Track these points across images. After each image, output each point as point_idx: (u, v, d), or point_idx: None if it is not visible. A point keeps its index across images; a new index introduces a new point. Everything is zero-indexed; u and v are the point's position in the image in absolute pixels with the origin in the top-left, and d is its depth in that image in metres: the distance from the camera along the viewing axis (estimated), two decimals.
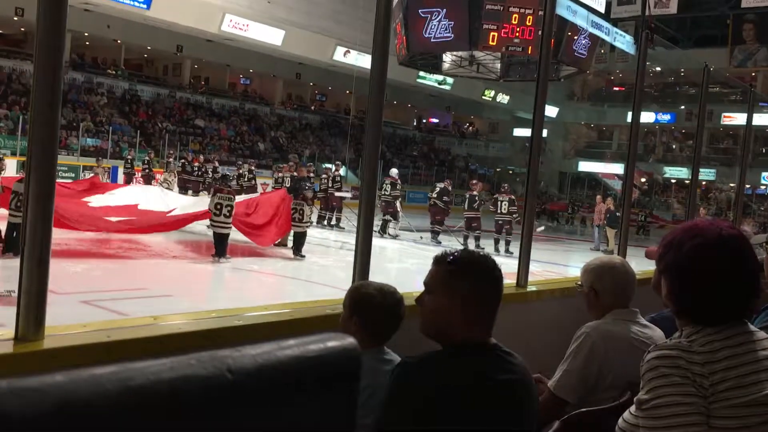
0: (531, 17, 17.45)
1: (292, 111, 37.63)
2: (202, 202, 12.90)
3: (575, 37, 18.93)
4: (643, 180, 37.62)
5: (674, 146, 42.22)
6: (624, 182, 5.67)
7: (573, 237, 24.38)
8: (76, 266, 9.48)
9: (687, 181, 35.38)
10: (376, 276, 2.82)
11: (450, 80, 32.16)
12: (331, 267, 11.82)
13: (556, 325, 3.29)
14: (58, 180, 2.15)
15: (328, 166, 20.21)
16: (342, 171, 19.86)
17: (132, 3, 24.49)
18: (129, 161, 22.24)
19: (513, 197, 15.58)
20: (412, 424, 1.72)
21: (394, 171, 17.73)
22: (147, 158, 22.13)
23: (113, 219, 11.37)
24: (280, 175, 18.21)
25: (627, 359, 2.44)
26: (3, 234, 9.92)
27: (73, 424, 0.46)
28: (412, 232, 17.29)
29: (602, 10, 20.69)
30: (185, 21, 26.10)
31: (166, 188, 16.42)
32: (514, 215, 15.23)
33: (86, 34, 28.36)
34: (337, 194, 17.80)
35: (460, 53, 20.51)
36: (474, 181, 17.56)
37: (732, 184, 34.19)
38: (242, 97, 36.17)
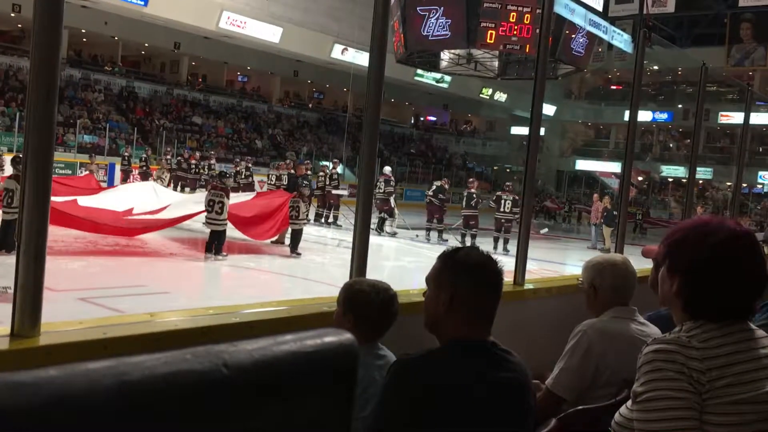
0: (529, 15, 17.45)
1: (290, 108, 37.60)
2: (196, 199, 12.88)
3: (573, 36, 18.94)
4: (640, 179, 37.68)
5: (671, 145, 42.27)
6: (621, 181, 5.68)
7: (570, 235, 24.41)
8: (72, 263, 9.47)
9: (684, 180, 35.46)
10: (372, 274, 2.82)
11: (448, 78, 32.12)
12: (327, 264, 11.83)
13: (553, 323, 3.29)
14: (54, 176, 2.14)
15: (325, 163, 20.21)
16: (339, 169, 19.86)
17: (129, 0, 24.44)
18: (126, 158, 22.23)
19: (516, 197, 15.58)
20: (408, 421, 1.72)
21: (387, 168, 17.77)
22: (144, 155, 22.13)
23: (107, 223, 11.29)
24: (277, 172, 18.19)
25: (624, 357, 2.44)
26: None
27: (67, 419, 0.46)
28: (407, 229, 17.30)
29: (600, 8, 20.69)
30: (183, 18, 26.05)
31: (159, 184, 16.39)
32: (516, 215, 15.23)
33: (83, 31, 28.31)
34: (335, 192, 17.80)
35: (457, 51, 20.50)
36: (471, 179, 17.56)
37: (729, 183, 34.27)
38: (240, 95, 36.14)
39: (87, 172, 17.76)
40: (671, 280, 1.52)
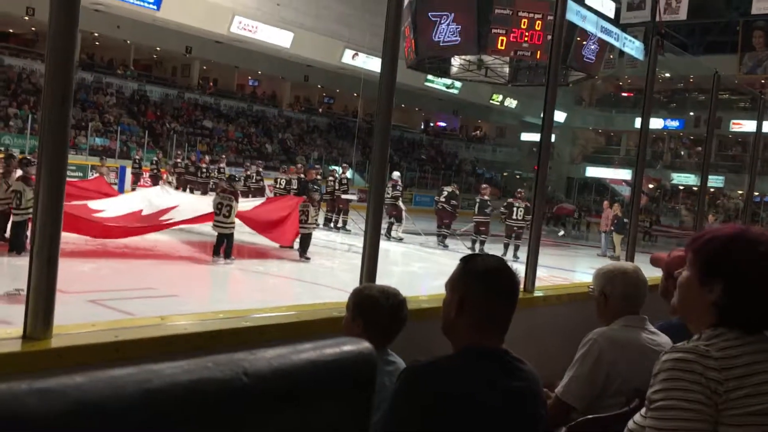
0: (540, 22, 17.44)
1: (300, 113, 37.70)
2: (206, 201, 12.91)
3: (584, 43, 18.91)
4: (651, 186, 37.52)
5: (682, 153, 42.08)
6: (633, 188, 5.65)
7: (580, 242, 24.32)
8: (83, 265, 9.51)
9: (695, 188, 35.29)
10: (381, 279, 2.82)
11: (458, 84, 32.17)
12: (337, 269, 11.83)
13: (563, 330, 3.28)
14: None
15: (334, 168, 20.21)
16: (349, 173, 19.88)
17: (142, 4, 24.60)
18: (137, 161, 22.34)
19: (528, 204, 15.51)
20: (417, 428, 1.72)
21: (396, 174, 17.77)
22: (155, 158, 22.22)
23: (117, 226, 11.32)
24: (286, 176, 18.20)
25: (635, 366, 2.43)
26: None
27: (91, 425, 0.46)
28: (418, 235, 17.29)
29: (612, 15, 20.68)
30: (195, 22, 26.19)
31: (169, 187, 16.45)
32: (528, 222, 15.16)
33: (96, 35, 28.51)
34: (344, 197, 17.82)
35: (468, 57, 20.51)
36: (485, 186, 17.44)
37: (740, 192, 34.08)
38: (250, 99, 36.26)
39: (97, 175, 17.85)
40: (706, 288, 1.49)
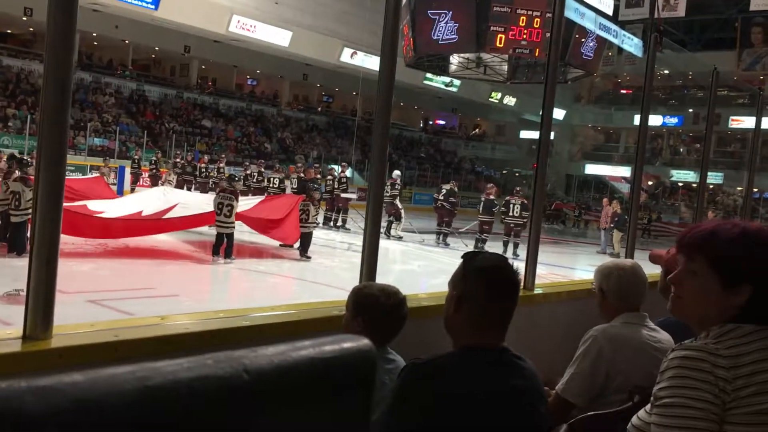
0: (538, 19, 17.43)
1: (299, 112, 37.68)
2: (205, 200, 12.89)
3: (583, 40, 18.90)
4: (650, 183, 37.52)
5: (681, 149, 42.09)
6: (632, 185, 5.65)
7: (580, 240, 24.33)
8: (83, 265, 9.51)
9: (694, 185, 35.30)
10: (381, 277, 2.82)
11: (457, 82, 32.13)
12: (336, 268, 11.83)
13: (563, 328, 3.28)
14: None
15: (332, 166, 20.16)
16: (348, 172, 19.86)
17: (140, 3, 24.58)
18: (136, 161, 22.32)
19: (525, 201, 15.50)
20: (417, 426, 1.72)
21: (396, 173, 17.76)
22: (154, 158, 22.20)
23: (116, 226, 11.26)
24: (280, 175, 18.14)
25: (635, 363, 2.43)
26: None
27: (90, 423, 0.46)
28: (414, 233, 17.28)
29: (610, 12, 20.66)
30: (193, 22, 26.18)
31: (169, 188, 16.44)
32: (525, 219, 15.15)
33: (94, 35, 28.48)
34: (343, 195, 17.82)
35: (467, 55, 20.50)
36: (490, 185, 17.33)
37: (740, 188, 34.08)
38: (249, 98, 36.24)
39: (97, 174, 17.83)
40: (729, 293, 1.46)
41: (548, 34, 3.93)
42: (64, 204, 2.01)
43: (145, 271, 10.08)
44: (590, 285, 2.96)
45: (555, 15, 3.78)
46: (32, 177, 8.61)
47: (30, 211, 6.20)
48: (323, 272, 11.18)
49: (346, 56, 30.42)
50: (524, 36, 17.55)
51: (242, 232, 12.13)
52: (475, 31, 17.85)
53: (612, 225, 18.17)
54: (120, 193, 19.21)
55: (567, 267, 14.11)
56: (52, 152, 1.90)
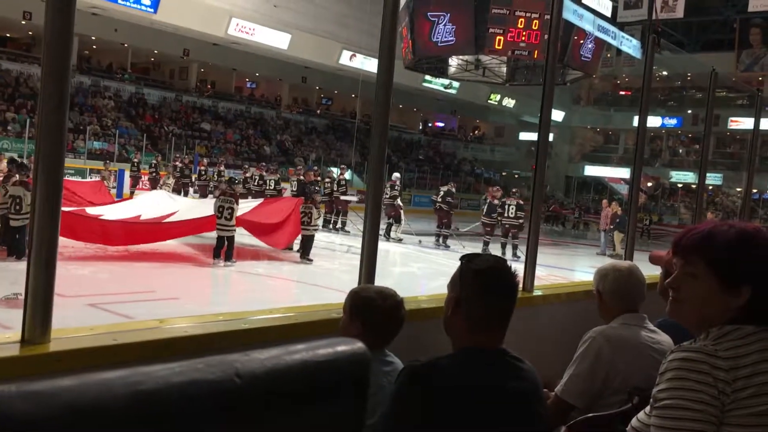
0: (537, 21, 17.46)
1: (298, 115, 37.70)
2: (204, 205, 12.87)
3: (581, 41, 18.93)
4: (650, 184, 37.54)
5: (681, 151, 42.12)
6: (631, 186, 5.65)
7: (579, 241, 24.33)
8: (82, 269, 9.50)
9: (693, 186, 35.32)
10: (380, 280, 2.82)
11: (456, 84, 32.18)
12: (336, 270, 11.82)
13: (562, 329, 3.28)
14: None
15: (330, 169, 20.15)
16: (347, 175, 19.85)
17: (139, 7, 24.59)
18: (135, 164, 22.31)
19: (521, 202, 15.52)
20: (417, 427, 1.72)
21: (395, 175, 17.77)
22: (154, 161, 22.20)
23: (115, 232, 11.22)
24: (275, 177, 18.09)
25: (634, 364, 2.43)
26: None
27: (82, 428, 0.46)
28: (411, 235, 17.27)
29: (608, 14, 20.69)
30: (192, 25, 26.19)
31: (167, 191, 16.44)
32: (521, 220, 15.17)
33: (93, 38, 28.51)
34: (343, 198, 17.81)
35: (465, 57, 20.52)
36: (495, 188, 17.26)
37: (739, 189, 34.09)
38: (248, 101, 36.26)
39: (98, 179, 17.83)
40: (729, 294, 1.46)
41: (547, 36, 3.93)
42: (63, 208, 2.01)
43: (145, 274, 10.07)
44: (589, 287, 2.95)
45: (553, 16, 3.78)
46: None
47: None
48: (323, 275, 11.17)
49: (345, 59, 30.44)
50: (523, 38, 17.58)
51: (242, 235, 12.11)
52: (474, 33, 17.88)
53: (612, 227, 18.15)
54: (119, 196, 19.21)
55: (566, 269, 14.10)
56: (50, 156, 1.90)
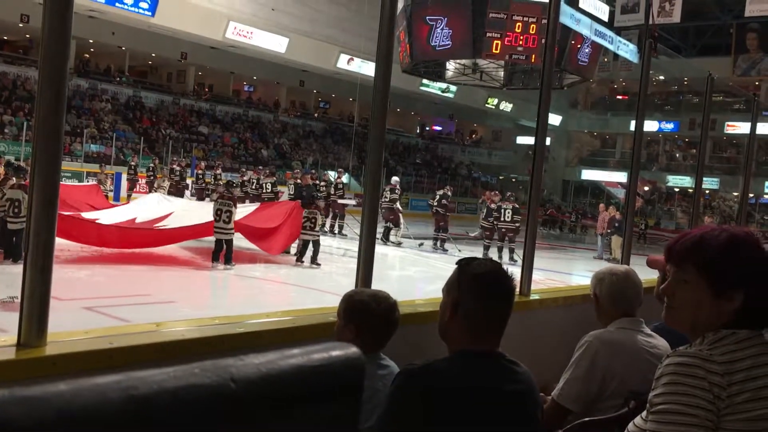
0: (534, 25, 17.49)
1: (296, 118, 37.69)
2: (200, 207, 12.84)
3: (578, 46, 18.96)
4: (646, 189, 37.61)
5: (677, 155, 42.22)
6: (627, 191, 5.67)
7: (576, 245, 24.35)
8: (78, 272, 9.48)
9: (690, 190, 35.37)
10: (378, 283, 2.82)
11: (453, 88, 32.22)
12: (333, 274, 11.82)
13: (559, 333, 3.28)
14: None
15: (327, 172, 20.17)
16: (344, 178, 19.85)
17: (137, 10, 24.59)
18: (132, 168, 22.28)
19: (517, 206, 15.58)
20: (414, 430, 1.72)
21: (394, 179, 17.80)
22: (151, 165, 22.18)
23: (111, 234, 11.19)
24: (271, 179, 18.06)
25: (631, 368, 2.43)
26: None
27: None
28: (410, 239, 17.29)
29: (605, 18, 20.73)
30: (190, 28, 26.19)
31: (163, 194, 16.41)
32: (517, 224, 15.22)
33: (91, 41, 28.48)
34: (340, 201, 17.82)
35: (463, 61, 20.55)
36: (494, 192, 17.33)
37: (735, 193, 34.17)
38: (246, 105, 36.24)
39: (94, 182, 17.81)
40: (722, 300, 1.47)
41: (544, 40, 3.94)
42: (58, 212, 2.00)
43: (141, 277, 10.06)
44: (586, 291, 2.96)
45: (550, 21, 3.79)
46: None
47: None
48: (321, 278, 11.17)
49: (343, 62, 30.47)
50: (520, 42, 17.61)
51: (240, 239, 12.11)
52: (471, 38, 17.90)
53: (610, 231, 18.17)
54: (116, 199, 19.20)
55: (563, 272, 14.12)
56: (46, 159, 1.90)
